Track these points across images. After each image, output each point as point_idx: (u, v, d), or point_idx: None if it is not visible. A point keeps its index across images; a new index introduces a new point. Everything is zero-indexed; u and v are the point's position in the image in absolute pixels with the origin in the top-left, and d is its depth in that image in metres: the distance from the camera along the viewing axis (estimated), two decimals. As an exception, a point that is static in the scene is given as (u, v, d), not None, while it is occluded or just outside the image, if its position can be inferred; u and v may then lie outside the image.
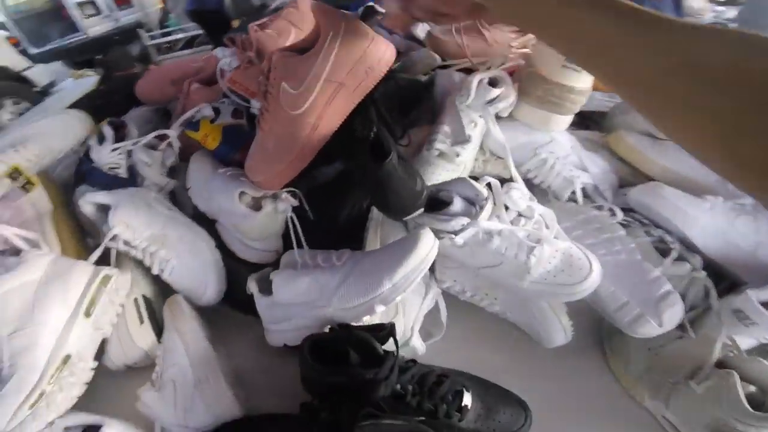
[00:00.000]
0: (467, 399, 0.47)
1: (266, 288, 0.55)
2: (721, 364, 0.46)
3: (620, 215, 0.59)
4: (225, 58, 0.76)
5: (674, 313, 0.49)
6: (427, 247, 0.49)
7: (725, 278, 0.57)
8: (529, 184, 0.67)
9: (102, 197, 0.60)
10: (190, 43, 2.48)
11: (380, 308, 0.49)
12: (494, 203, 0.54)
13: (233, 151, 0.66)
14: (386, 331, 0.48)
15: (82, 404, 0.53)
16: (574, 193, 0.66)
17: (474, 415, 0.48)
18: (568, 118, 0.66)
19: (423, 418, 0.46)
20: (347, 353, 0.46)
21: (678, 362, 0.48)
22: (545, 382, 0.52)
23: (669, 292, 0.50)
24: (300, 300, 0.52)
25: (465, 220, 0.52)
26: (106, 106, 0.83)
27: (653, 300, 0.49)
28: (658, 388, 0.49)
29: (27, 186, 0.63)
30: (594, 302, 0.53)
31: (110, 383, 0.57)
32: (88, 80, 3.19)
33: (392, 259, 0.49)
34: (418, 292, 0.57)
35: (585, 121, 0.81)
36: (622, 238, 0.55)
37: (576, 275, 0.49)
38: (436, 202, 0.55)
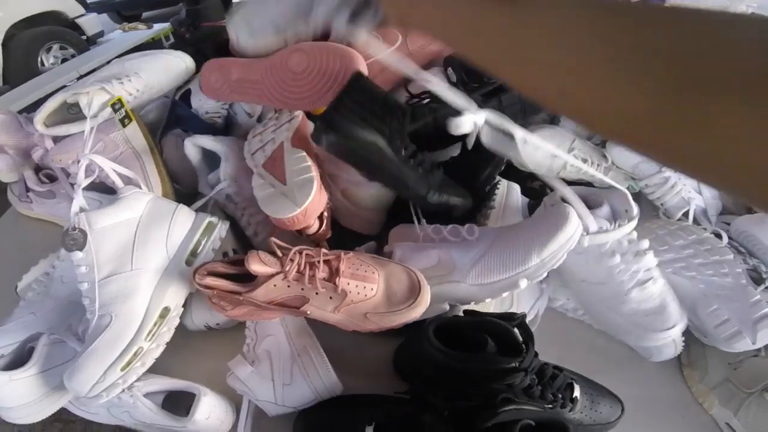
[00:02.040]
0: (577, 391, 0.47)
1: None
2: None
3: (725, 240, 0.60)
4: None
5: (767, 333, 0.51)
6: (575, 224, 0.47)
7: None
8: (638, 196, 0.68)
9: (212, 143, 0.56)
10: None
11: (524, 283, 0.46)
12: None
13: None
14: (518, 320, 0.44)
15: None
16: (686, 214, 0.67)
17: (581, 406, 0.48)
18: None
19: (546, 407, 0.45)
20: (472, 340, 0.43)
21: (757, 375, 0.52)
22: (619, 385, 0.53)
23: (766, 315, 0.52)
24: (428, 274, 0.49)
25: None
26: (195, 55, 0.80)
27: (752, 320, 0.52)
28: (731, 398, 0.52)
29: (125, 120, 0.59)
30: (693, 317, 0.55)
31: (186, 344, 0.53)
32: (138, 33, 3.20)
33: (541, 234, 0.46)
34: (533, 289, 0.55)
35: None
36: (729, 262, 0.57)
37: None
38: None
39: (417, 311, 0.44)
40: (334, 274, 0.43)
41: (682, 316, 0.52)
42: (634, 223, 0.51)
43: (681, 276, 0.57)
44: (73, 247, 0.45)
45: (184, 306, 0.50)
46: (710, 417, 0.54)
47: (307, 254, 0.44)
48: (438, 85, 0.46)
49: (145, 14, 3.61)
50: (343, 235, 0.58)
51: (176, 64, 0.65)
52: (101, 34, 2.69)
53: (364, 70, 0.51)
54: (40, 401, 0.45)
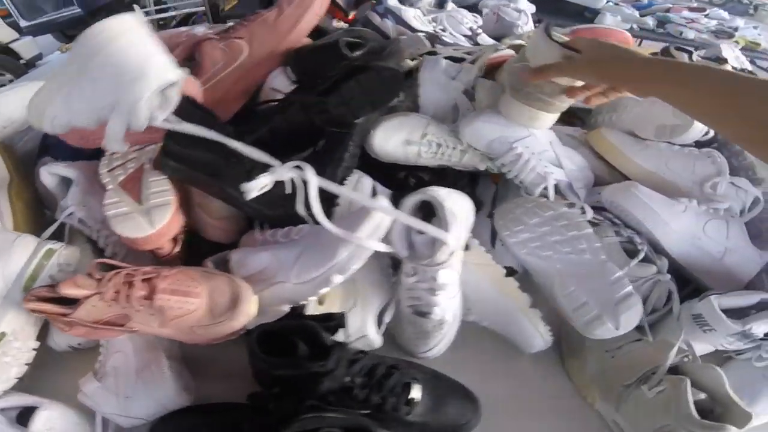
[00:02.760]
0: (416, 392, 0.48)
1: (226, 270, 0.54)
2: (674, 370, 0.46)
3: (590, 213, 0.58)
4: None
5: (632, 316, 0.49)
6: (380, 215, 0.49)
7: (690, 282, 0.56)
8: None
9: (64, 169, 0.58)
10: (184, 20, 2.45)
11: (338, 278, 0.48)
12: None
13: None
14: (335, 321, 0.47)
15: (24, 386, 0.52)
16: (546, 189, 0.66)
17: (423, 407, 0.48)
18: (555, 117, 0.65)
19: (368, 411, 0.46)
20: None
21: (633, 366, 0.48)
22: (501, 380, 0.53)
23: (629, 295, 0.49)
24: (260, 277, 0.51)
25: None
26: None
27: (612, 301, 0.49)
28: (610, 391, 0.49)
29: (-16, 155, 0.61)
30: (554, 302, 0.54)
31: (57, 365, 0.55)
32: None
33: (347, 228, 0.48)
34: (379, 286, 0.56)
35: (570, 117, 0.80)
36: (588, 236, 0.54)
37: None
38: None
39: (238, 321, 0.47)
40: (153, 290, 0.46)
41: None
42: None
43: (536, 257, 0.56)
44: None
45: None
46: (597, 412, 0.51)
47: (126, 274, 0.46)
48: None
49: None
50: (203, 246, 0.61)
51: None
52: (39, 56, 2.65)
53: (195, 94, 0.54)
54: None
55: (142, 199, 0.54)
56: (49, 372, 0.55)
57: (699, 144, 0.70)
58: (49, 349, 0.55)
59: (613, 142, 0.69)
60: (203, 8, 2.24)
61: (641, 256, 0.54)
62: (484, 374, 0.54)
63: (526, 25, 1.00)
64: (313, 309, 0.54)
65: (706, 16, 2.27)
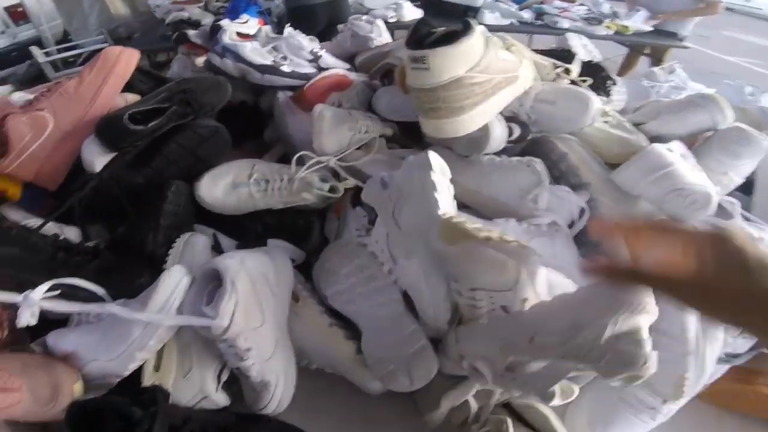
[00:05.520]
0: None
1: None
2: (508, 406, 0.51)
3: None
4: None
5: (425, 370, 0.51)
6: (172, 284, 0.52)
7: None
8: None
9: None
10: (89, 58, 2.36)
11: (142, 354, 0.51)
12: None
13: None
14: (150, 394, 0.50)
15: None
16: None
17: None
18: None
19: None
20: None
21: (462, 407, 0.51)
22: (357, 424, 0.57)
23: (423, 348, 0.52)
24: (76, 356, 0.54)
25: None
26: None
27: (407, 356, 0.51)
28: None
29: None
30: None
31: None
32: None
33: (139, 305, 0.51)
34: (213, 347, 0.58)
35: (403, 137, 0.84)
36: (387, 288, 0.56)
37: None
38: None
39: (65, 406, 0.50)
40: None
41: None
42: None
43: (346, 311, 0.57)
44: None
45: None
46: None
47: None
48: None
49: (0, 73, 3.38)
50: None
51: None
52: None
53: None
54: None
55: None
56: None
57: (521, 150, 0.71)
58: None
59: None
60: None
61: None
62: (340, 418, 0.58)
63: (380, 37, 1.03)
64: (149, 375, 0.56)
65: (580, 5, 2.40)
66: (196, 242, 0.63)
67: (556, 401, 0.45)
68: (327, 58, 0.93)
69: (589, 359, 0.39)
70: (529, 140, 0.69)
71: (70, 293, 0.54)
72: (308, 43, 0.92)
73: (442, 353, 0.54)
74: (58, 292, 0.54)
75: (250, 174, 0.66)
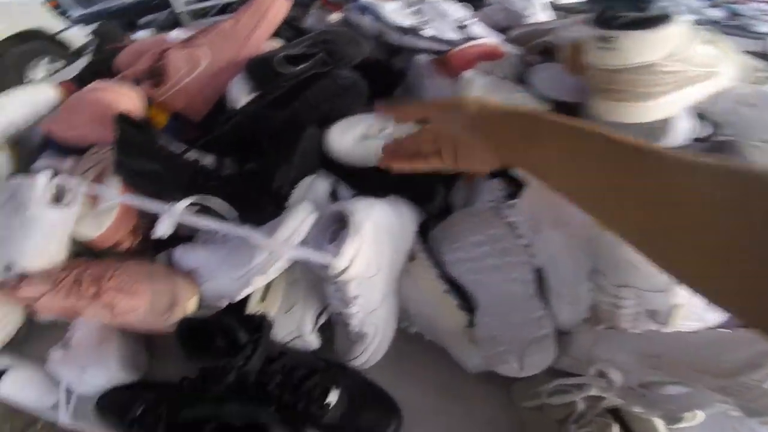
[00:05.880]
0: (332, 396, 0.51)
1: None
2: (615, 412, 0.47)
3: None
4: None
5: (539, 360, 0.48)
6: (299, 218, 0.53)
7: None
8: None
9: (53, 163, 0.69)
10: (224, 9, 2.58)
11: (259, 280, 0.53)
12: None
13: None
14: (256, 322, 0.51)
15: (14, 347, 0.63)
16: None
17: (338, 412, 0.51)
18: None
19: (281, 409, 0.50)
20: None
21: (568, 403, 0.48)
22: (438, 396, 0.55)
23: (544, 337, 0.49)
24: (198, 273, 0.58)
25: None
26: (97, 75, 0.91)
27: (525, 341, 0.49)
28: (544, 427, 0.49)
29: (-9, 154, 0.73)
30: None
31: (41, 333, 0.66)
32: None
33: (267, 233, 0.52)
34: (321, 291, 0.59)
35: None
36: (523, 265, 0.52)
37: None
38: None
39: (176, 320, 0.53)
40: (100, 289, 0.54)
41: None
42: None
43: (465, 279, 0.55)
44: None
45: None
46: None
47: (76, 274, 0.55)
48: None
49: (143, 19, 3.82)
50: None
51: (35, 98, 0.78)
52: (88, 45, 2.92)
53: (133, 108, 0.60)
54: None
55: (97, 202, 0.63)
56: (35, 338, 0.66)
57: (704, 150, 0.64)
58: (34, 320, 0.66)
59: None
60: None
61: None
62: (424, 387, 0.56)
63: (534, 15, 0.98)
64: (254, 304, 0.60)
65: (777, 6, 2.03)
66: (318, 186, 0.64)
67: (681, 425, 0.43)
68: (476, 28, 0.88)
69: (750, 399, 0.36)
70: (716, 142, 0.61)
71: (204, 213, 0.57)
72: (455, 10, 0.89)
73: (562, 348, 0.50)
74: (195, 209, 0.57)
75: (382, 128, 0.65)
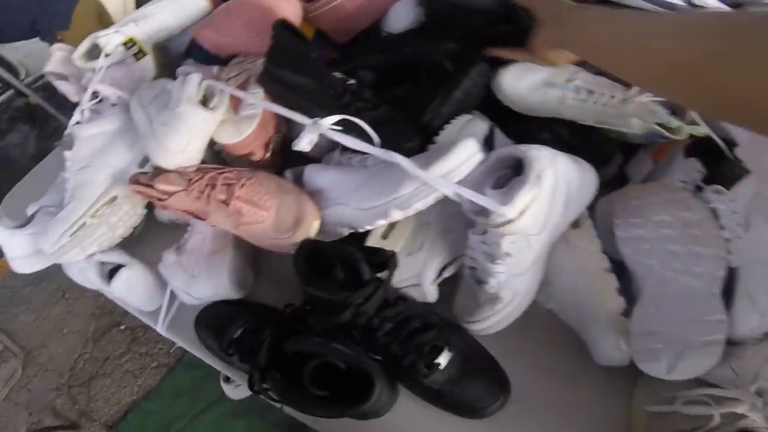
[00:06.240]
0: (443, 358, 0.46)
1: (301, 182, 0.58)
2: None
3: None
4: None
5: (696, 367, 0.42)
6: (464, 155, 0.45)
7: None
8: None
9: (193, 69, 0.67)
10: None
11: (396, 213, 0.48)
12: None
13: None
14: (382, 258, 0.45)
15: (127, 245, 0.63)
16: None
17: (444, 376, 0.46)
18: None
19: (386, 359, 0.45)
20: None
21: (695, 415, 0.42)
22: (549, 383, 0.49)
23: (715, 343, 0.42)
24: (325, 195, 0.53)
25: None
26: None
27: (687, 342, 0.42)
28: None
29: (138, 54, 0.74)
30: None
31: (157, 234, 0.66)
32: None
33: (422, 164, 0.46)
34: (453, 237, 0.53)
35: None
36: (715, 261, 0.44)
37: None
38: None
39: (297, 240, 0.50)
40: (231, 196, 0.50)
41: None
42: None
43: (636, 260, 0.47)
44: (65, 147, 0.61)
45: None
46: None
47: (210, 177, 0.52)
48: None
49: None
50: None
51: (189, 4, 0.77)
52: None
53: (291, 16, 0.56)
54: (35, 255, 0.61)
55: (239, 109, 0.60)
56: (149, 239, 0.66)
57: None
58: (154, 219, 0.66)
59: None
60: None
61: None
62: (536, 371, 0.50)
63: None
64: (375, 241, 0.54)
65: None
66: (475, 127, 0.56)
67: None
68: None
69: None
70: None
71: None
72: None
73: (724, 358, 0.43)
74: (340, 128, 0.50)
75: (570, 78, 0.55)
